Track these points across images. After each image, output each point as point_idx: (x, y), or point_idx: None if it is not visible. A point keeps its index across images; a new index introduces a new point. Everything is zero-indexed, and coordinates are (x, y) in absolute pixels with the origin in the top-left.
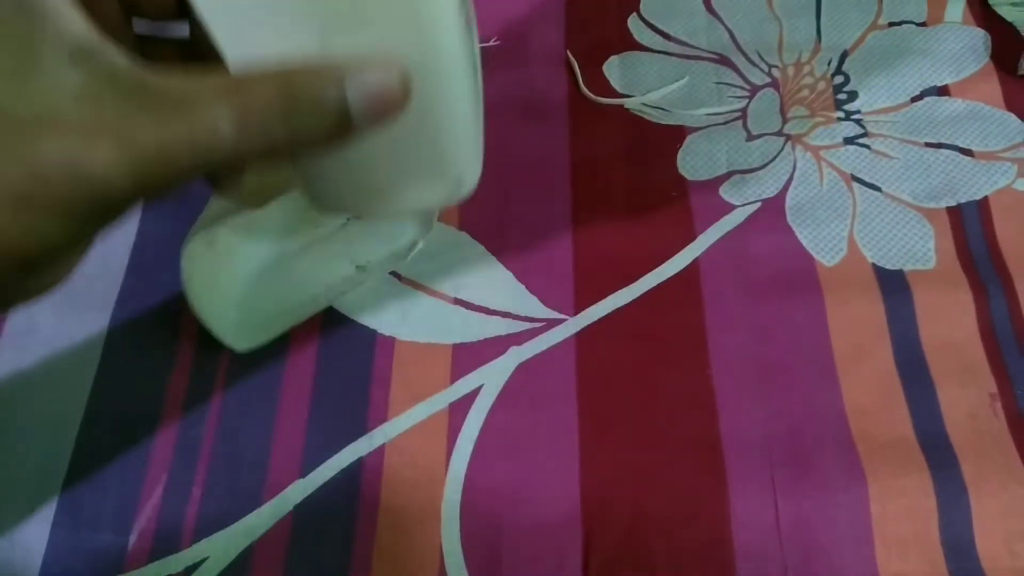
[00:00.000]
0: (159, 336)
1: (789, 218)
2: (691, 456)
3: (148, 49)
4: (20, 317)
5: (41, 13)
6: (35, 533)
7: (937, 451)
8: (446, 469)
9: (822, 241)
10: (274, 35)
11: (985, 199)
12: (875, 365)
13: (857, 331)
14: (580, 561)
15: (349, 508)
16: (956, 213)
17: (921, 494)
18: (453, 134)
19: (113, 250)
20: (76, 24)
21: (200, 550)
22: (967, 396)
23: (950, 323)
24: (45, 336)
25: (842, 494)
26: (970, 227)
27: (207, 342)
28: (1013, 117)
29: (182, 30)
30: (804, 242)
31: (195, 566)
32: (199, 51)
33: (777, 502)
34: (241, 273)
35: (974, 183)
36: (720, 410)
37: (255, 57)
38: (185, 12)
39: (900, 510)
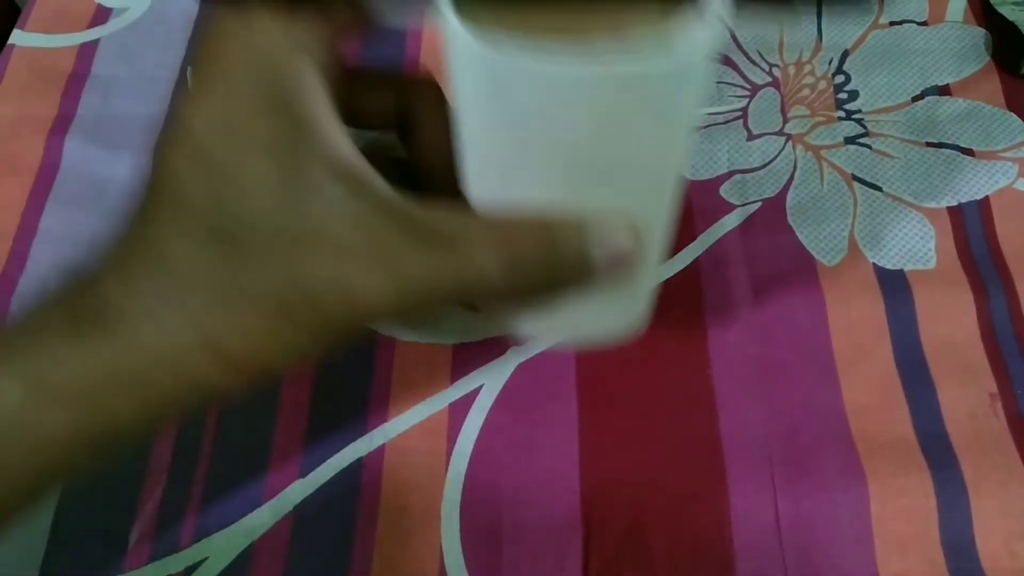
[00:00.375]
0: None
1: (790, 218)
2: (691, 456)
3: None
4: None
5: (311, 130)
6: (34, 533)
7: (937, 451)
8: (446, 469)
9: (823, 241)
10: (527, 183)
11: (986, 199)
12: (875, 365)
13: (857, 331)
14: (580, 561)
15: (349, 508)
16: (957, 213)
17: (921, 494)
18: (649, 276)
19: None
20: (343, 145)
21: (200, 550)
22: (967, 396)
23: (951, 323)
24: None
25: (842, 494)
26: (971, 227)
27: None
28: (1014, 117)
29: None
30: (805, 242)
31: (195, 566)
32: (411, 168)
33: (777, 502)
34: None
35: (975, 183)
36: (720, 410)
37: (502, 198)
38: (394, 124)
39: (900, 510)
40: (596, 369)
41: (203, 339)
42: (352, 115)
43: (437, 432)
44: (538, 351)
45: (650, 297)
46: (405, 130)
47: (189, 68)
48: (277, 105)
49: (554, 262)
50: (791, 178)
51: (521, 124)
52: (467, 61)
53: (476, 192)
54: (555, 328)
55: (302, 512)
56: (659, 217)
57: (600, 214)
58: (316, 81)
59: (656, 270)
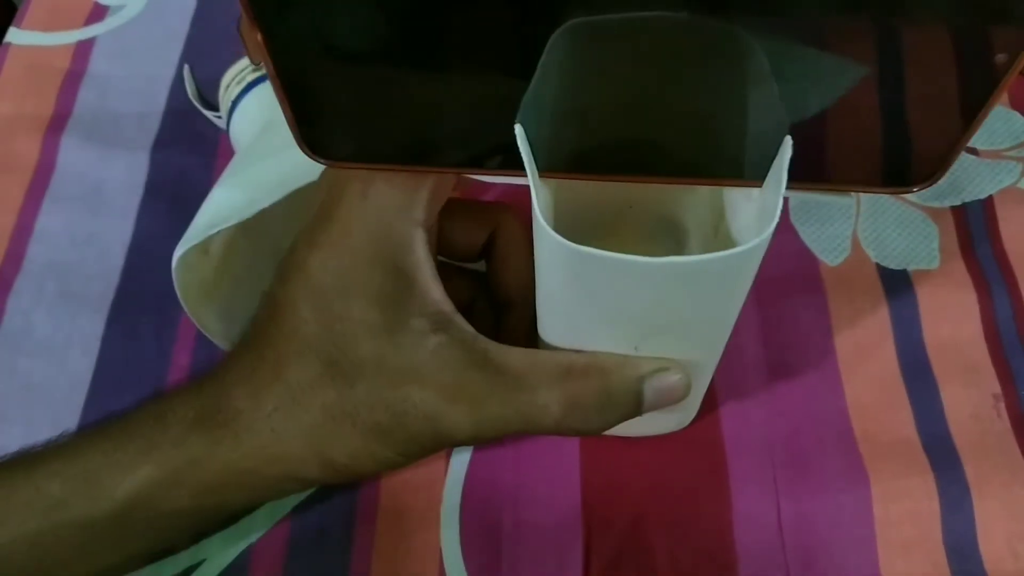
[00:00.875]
0: (156, 336)
1: (792, 217)
2: (692, 456)
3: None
4: (16, 317)
5: (413, 280)
6: None
7: (940, 452)
8: (445, 470)
9: (825, 240)
10: (595, 337)
11: (990, 198)
12: (878, 365)
13: (860, 331)
14: (581, 563)
15: (348, 510)
16: (960, 212)
17: (924, 496)
18: (701, 388)
19: (109, 250)
20: (438, 294)
21: (197, 552)
22: (970, 397)
23: (954, 323)
24: (41, 336)
25: (844, 495)
26: (974, 226)
27: (204, 342)
28: (1018, 115)
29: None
30: (807, 241)
31: (192, 568)
32: (489, 285)
33: (779, 503)
34: (239, 279)
35: (979, 182)
36: (721, 410)
37: (572, 345)
38: (481, 256)
39: (903, 512)
40: None
41: (311, 448)
42: (445, 245)
43: None
44: None
45: (700, 402)
46: (489, 256)
47: (186, 67)
48: (388, 264)
49: (607, 404)
50: None
51: (594, 297)
52: (551, 251)
53: (550, 338)
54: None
55: (300, 514)
56: (714, 352)
57: (652, 362)
58: (423, 245)
59: (710, 378)
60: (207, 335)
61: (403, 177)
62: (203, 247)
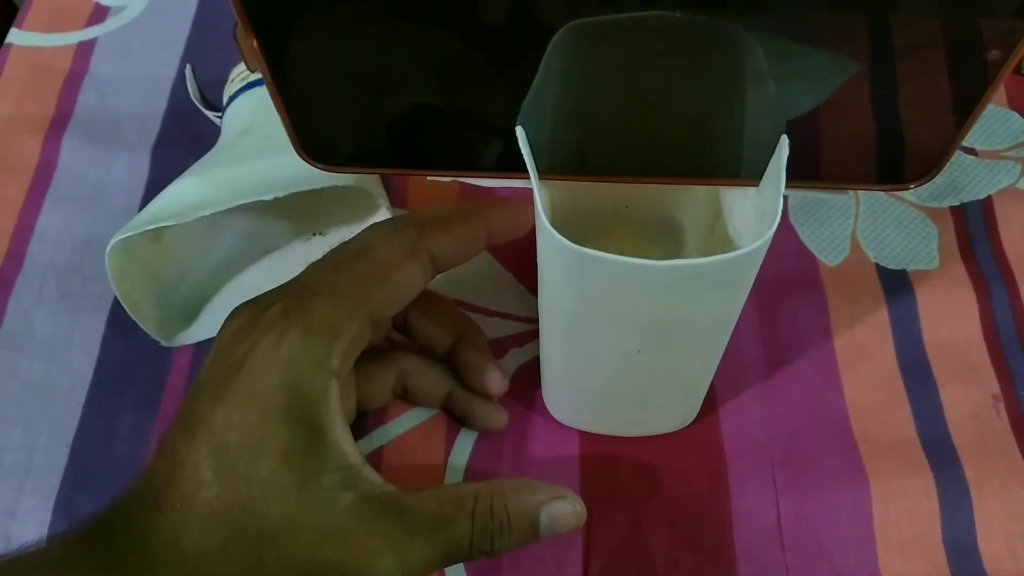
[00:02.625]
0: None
1: (791, 217)
2: (692, 456)
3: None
4: (17, 317)
5: (323, 433)
6: (31, 536)
7: (939, 452)
8: (444, 470)
9: (824, 241)
10: (601, 337)
11: (988, 198)
12: (878, 365)
13: (860, 331)
14: (580, 563)
15: None
16: (959, 213)
17: (923, 495)
18: (701, 388)
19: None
20: (348, 446)
21: None
22: (970, 397)
23: (953, 323)
24: (41, 337)
25: (844, 495)
26: (974, 226)
27: (204, 344)
28: (1016, 116)
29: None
30: (806, 241)
31: None
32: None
33: (778, 502)
34: (193, 268)
35: (978, 182)
36: (721, 410)
37: (574, 346)
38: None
39: (902, 511)
40: None
41: None
42: (418, 339)
43: (436, 433)
44: (532, 356)
45: (700, 402)
46: (456, 361)
47: (189, 68)
48: (299, 418)
49: (508, 528)
50: None
51: (597, 299)
52: (554, 253)
53: (553, 348)
54: (600, 422)
55: None
56: (715, 352)
57: (555, 501)
58: (335, 396)
59: (708, 381)
60: (138, 321)
61: (321, 327)
62: (155, 235)
